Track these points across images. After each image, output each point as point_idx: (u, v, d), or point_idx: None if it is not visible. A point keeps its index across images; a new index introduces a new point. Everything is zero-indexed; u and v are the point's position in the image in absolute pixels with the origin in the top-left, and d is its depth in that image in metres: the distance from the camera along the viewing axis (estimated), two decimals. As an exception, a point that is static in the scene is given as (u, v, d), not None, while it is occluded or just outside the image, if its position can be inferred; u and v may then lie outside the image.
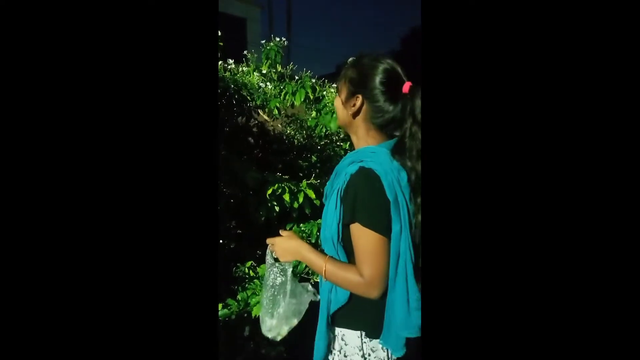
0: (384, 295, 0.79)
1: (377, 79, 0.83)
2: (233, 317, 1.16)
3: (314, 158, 1.78)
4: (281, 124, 2.09)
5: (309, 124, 1.81)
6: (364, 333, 0.83)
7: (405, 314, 0.78)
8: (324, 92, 1.70)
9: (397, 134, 0.87)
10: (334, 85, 1.68)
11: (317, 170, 1.69)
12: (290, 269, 0.88)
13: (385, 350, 0.83)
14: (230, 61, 1.72)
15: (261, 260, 1.45)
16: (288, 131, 2.06)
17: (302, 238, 0.90)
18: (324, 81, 1.99)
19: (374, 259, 0.77)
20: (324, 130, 1.67)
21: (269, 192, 1.32)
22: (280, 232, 0.91)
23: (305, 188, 1.43)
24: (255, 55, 1.96)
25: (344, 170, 0.83)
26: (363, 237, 0.77)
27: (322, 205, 1.15)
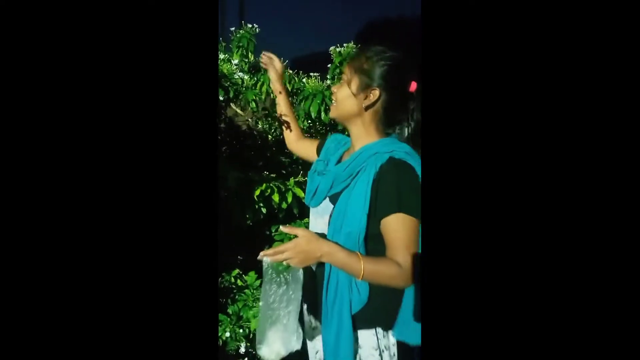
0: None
1: (397, 75, 0.83)
2: (227, 333, 1.05)
3: (295, 155, 1.67)
4: (251, 118, 1.96)
5: (286, 117, 1.69)
6: (379, 329, 0.80)
7: None
8: (302, 83, 1.60)
9: (389, 131, 0.88)
10: (316, 74, 1.59)
11: (300, 167, 1.59)
12: (302, 277, 0.77)
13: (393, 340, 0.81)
14: None
15: (247, 267, 1.33)
16: (261, 125, 1.93)
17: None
18: (298, 72, 1.88)
19: (414, 247, 0.76)
20: (305, 123, 1.58)
21: (257, 193, 1.20)
22: (284, 229, 0.76)
23: (293, 187, 1.33)
24: (224, 44, 1.80)
25: (368, 163, 0.80)
26: (406, 226, 0.75)
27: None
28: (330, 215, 0.82)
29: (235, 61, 1.73)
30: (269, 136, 1.89)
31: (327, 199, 0.85)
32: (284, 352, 0.78)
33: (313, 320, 0.88)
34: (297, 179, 1.37)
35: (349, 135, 0.93)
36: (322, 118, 1.45)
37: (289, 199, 1.30)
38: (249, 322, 1.06)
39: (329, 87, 1.48)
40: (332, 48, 1.58)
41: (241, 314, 1.10)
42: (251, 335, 1.08)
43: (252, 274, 1.26)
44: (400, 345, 0.81)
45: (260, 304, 0.79)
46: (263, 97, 1.70)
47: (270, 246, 1.05)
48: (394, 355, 0.80)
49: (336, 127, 1.59)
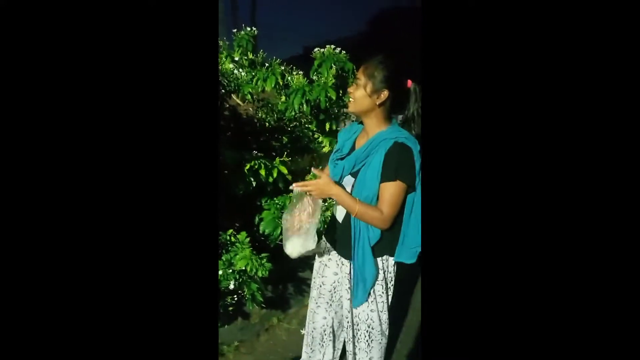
0: (397, 226, 1.15)
1: (398, 78, 1.15)
2: (220, 272, 1.38)
3: (285, 139, 1.98)
4: (252, 108, 2.26)
5: (279, 107, 1.99)
6: (384, 257, 1.20)
7: (418, 238, 1.15)
8: (291, 79, 1.88)
9: (399, 116, 1.20)
10: (300, 72, 1.87)
11: (288, 150, 1.90)
12: (320, 202, 1.18)
13: (392, 262, 1.21)
14: None
15: (240, 228, 1.65)
16: (259, 114, 2.23)
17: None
18: (292, 68, 2.16)
19: (396, 203, 1.11)
20: (293, 113, 1.87)
21: (247, 167, 1.51)
22: (315, 171, 1.15)
23: (278, 165, 1.64)
24: (227, 43, 2.09)
25: (380, 146, 1.12)
26: (396, 190, 1.10)
27: (293, 180, 1.44)
28: (353, 185, 1.16)
29: (236, 58, 2.03)
30: (266, 123, 2.19)
31: (350, 175, 1.18)
32: (302, 250, 1.16)
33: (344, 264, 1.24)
34: (282, 159, 1.68)
35: (360, 123, 1.24)
36: (304, 110, 1.74)
37: (274, 174, 1.61)
38: (236, 265, 1.38)
39: (310, 82, 1.76)
40: (315, 50, 1.86)
41: (232, 261, 1.43)
42: (237, 275, 1.41)
43: (243, 233, 1.58)
44: (398, 265, 1.22)
45: (286, 216, 1.15)
46: (259, 89, 2.00)
47: (260, 213, 1.58)
48: (391, 273, 1.22)
49: (318, 117, 1.88)
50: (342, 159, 1.22)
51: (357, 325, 1.22)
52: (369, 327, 1.21)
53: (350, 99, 1.17)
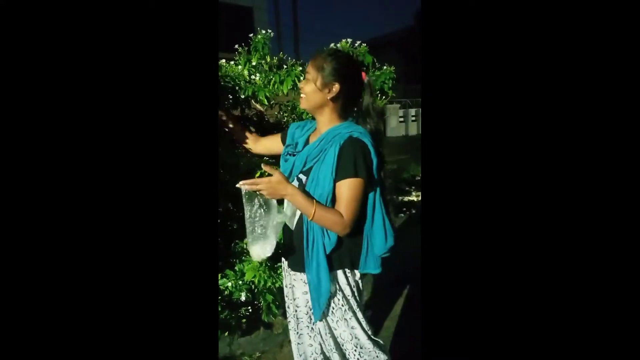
0: (359, 234, 1.06)
1: (350, 70, 1.09)
2: (230, 284, 1.34)
3: (303, 141, 1.90)
4: (277, 112, 2.22)
5: (298, 109, 1.93)
6: (347, 269, 1.11)
7: (383, 241, 1.06)
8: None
9: (347, 115, 1.14)
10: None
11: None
12: (275, 202, 1.05)
13: (358, 275, 1.12)
14: (222, 61, 1.87)
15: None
16: (285, 119, 2.19)
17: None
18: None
19: (357, 203, 1.02)
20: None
21: (257, 175, 1.47)
22: (265, 167, 1.03)
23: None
24: (246, 48, 2.08)
25: (333, 141, 1.05)
26: (355, 188, 1.01)
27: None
28: (305, 184, 1.08)
29: (254, 63, 2.00)
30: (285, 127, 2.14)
31: (301, 173, 1.11)
32: (263, 256, 1.09)
33: (291, 276, 1.19)
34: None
35: (312, 119, 1.19)
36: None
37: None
38: (246, 273, 1.33)
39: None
40: (331, 45, 1.76)
41: (244, 270, 1.39)
42: (252, 287, 1.36)
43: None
44: (363, 275, 1.14)
45: (246, 217, 1.05)
46: (279, 93, 1.95)
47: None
48: (361, 287, 1.15)
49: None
50: (293, 155, 1.14)
51: (343, 345, 1.11)
52: (355, 346, 1.10)
53: (302, 95, 1.10)
